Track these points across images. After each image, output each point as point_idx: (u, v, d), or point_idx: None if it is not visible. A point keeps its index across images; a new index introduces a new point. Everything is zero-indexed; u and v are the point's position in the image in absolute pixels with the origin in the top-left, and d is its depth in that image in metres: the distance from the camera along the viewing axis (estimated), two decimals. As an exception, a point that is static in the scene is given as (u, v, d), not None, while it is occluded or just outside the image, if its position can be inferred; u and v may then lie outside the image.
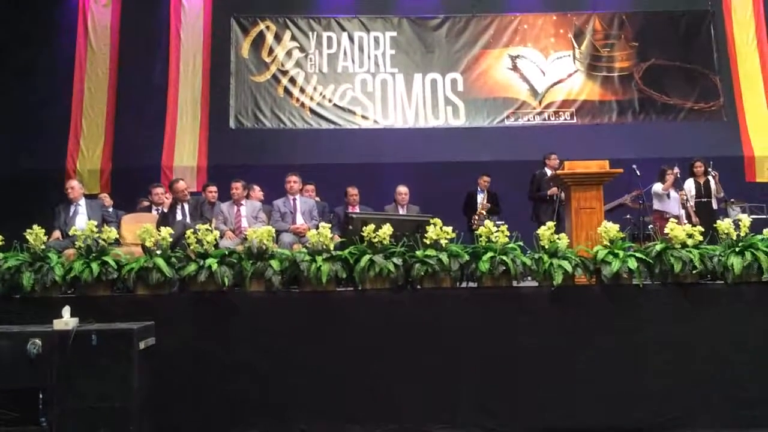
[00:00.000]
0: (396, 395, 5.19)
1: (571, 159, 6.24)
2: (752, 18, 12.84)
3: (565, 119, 12.52)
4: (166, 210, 8.13)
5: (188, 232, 5.57)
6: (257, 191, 8.64)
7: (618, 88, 12.71)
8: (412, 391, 5.20)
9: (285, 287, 5.42)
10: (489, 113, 12.48)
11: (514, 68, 12.74)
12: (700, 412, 5.17)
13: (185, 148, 11.82)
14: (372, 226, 5.50)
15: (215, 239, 5.56)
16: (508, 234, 5.52)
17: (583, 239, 5.81)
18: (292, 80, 12.43)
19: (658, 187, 8.97)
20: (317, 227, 5.65)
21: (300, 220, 7.86)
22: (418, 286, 5.40)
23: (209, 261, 5.34)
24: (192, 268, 5.34)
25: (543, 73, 12.73)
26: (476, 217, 9.53)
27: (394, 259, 5.33)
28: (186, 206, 7.78)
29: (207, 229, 5.54)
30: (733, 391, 5.19)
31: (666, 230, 5.55)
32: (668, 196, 8.97)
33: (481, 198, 9.90)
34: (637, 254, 5.40)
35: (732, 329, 5.26)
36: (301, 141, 11.95)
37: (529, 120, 12.50)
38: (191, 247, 5.47)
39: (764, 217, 8.62)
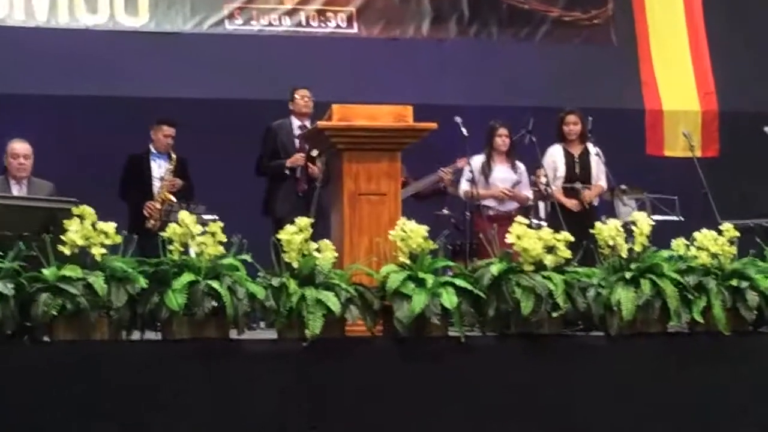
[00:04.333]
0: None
1: (344, 101, 5.27)
2: None
3: (338, 26, 10.72)
4: None
5: None
6: None
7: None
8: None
9: None
10: (190, 13, 10.10)
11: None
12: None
13: None
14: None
15: None
16: (224, 239, 4.43)
17: (363, 252, 4.93)
18: None
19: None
20: None
21: None
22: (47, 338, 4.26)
23: None
24: None
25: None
26: (157, 206, 7.53)
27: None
28: None
29: None
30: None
31: (508, 238, 4.66)
32: (486, 179, 7.75)
33: (161, 168, 7.63)
34: (459, 282, 4.53)
35: (616, 405, 4.53)
36: None
37: (271, 24, 10.55)
38: None
39: (674, 218, 7.69)
